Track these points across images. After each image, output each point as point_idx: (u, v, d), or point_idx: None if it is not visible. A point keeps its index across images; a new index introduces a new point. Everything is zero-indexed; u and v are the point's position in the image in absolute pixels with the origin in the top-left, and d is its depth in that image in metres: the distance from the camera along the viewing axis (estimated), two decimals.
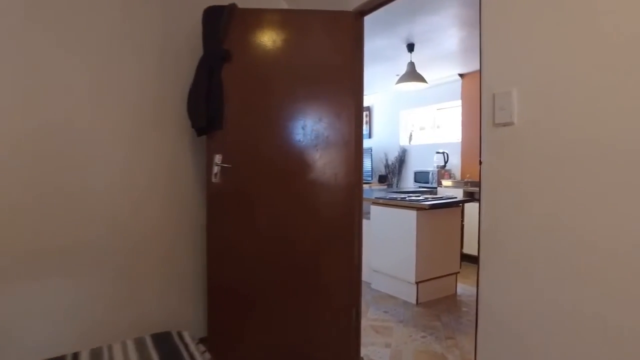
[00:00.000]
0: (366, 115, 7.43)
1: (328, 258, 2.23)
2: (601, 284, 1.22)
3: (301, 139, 2.22)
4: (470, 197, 4.72)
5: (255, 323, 2.23)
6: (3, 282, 1.86)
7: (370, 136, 7.41)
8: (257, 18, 2.24)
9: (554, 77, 1.33)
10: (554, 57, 1.33)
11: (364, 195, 4.20)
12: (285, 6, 2.76)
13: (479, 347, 1.61)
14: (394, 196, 3.89)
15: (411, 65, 4.29)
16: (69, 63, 2.02)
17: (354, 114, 2.25)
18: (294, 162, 2.22)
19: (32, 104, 1.92)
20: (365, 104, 7.33)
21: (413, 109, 6.62)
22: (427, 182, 5.79)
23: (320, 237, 2.22)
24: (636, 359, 1.14)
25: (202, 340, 2.31)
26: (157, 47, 2.30)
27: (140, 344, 1.44)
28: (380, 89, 6.76)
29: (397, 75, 4.58)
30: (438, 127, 6.34)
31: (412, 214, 3.38)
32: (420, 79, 4.25)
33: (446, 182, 5.39)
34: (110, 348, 1.38)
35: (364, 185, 6.41)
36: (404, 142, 6.78)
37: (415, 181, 6.08)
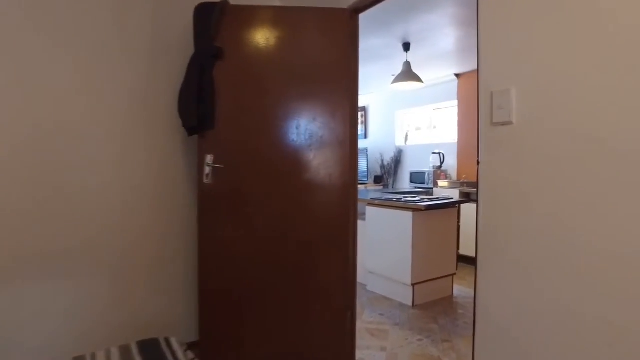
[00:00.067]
0: (362, 116, 7.39)
1: (322, 260, 2.18)
2: (603, 286, 1.18)
3: (295, 139, 2.17)
4: (467, 197, 4.68)
5: (246, 326, 2.18)
6: None
7: (366, 136, 7.37)
8: (250, 15, 2.19)
9: (553, 75, 1.29)
10: (554, 54, 1.29)
11: (360, 196, 4.15)
12: (278, 3, 2.71)
13: (476, 351, 1.57)
14: (390, 197, 3.85)
15: (407, 64, 4.26)
16: (59, 62, 1.97)
17: (349, 113, 2.20)
18: (288, 163, 2.17)
19: (19, 104, 1.87)
20: (361, 104, 7.33)
21: (409, 109, 6.59)
22: (423, 183, 5.76)
23: (314, 238, 2.17)
24: None
25: (193, 345, 2.26)
26: (148, 45, 2.25)
27: (125, 351, 1.39)
28: (376, 88, 6.72)
29: (393, 75, 4.54)
30: (434, 127, 6.31)
31: (408, 215, 3.34)
32: (416, 78, 4.21)
33: (442, 183, 5.36)
34: (93, 356, 1.33)
35: (360, 186, 6.39)
36: (399, 142, 6.74)
37: (411, 182, 6.05)
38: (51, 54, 1.95)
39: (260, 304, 2.18)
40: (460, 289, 3.78)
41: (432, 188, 5.47)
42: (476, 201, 1.57)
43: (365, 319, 3.06)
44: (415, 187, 5.83)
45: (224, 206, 2.17)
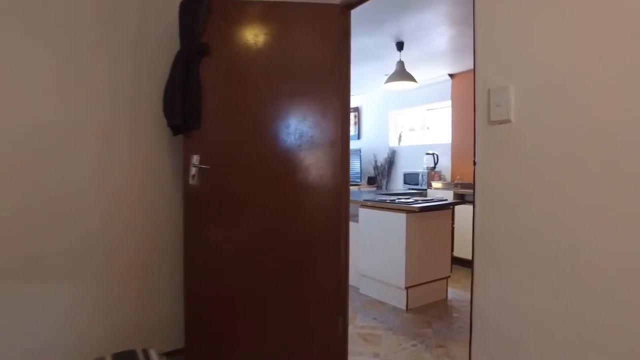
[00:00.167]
0: (355, 116, 7.33)
1: (313, 264, 2.11)
2: (606, 288, 1.12)
3: (285, 139, 2.10)
4: (461, 199, 4.63)
5: (234, 332, 2.10)
6: None
7: (359, 137, 7.31)
8: (238, 10, 2.12)
9: (554, 71, 1.23)
10: (554, 49, 1.22)
11: (352, 198, 4.08)
12: None
13: (473, 356, 1.50)
14: (383, 198, 3.78)
15: (400, 64, 4.19)
16: (36, 60, 1.88)
17: (340, 112, 2.13)
18: (277, 163, 2.10)
19: None
20: (354, 104, 7.28)
21: (402, 110, 6.54)
22: (417, 184, 5.70)
23: (304, 241, 2.10)
24: None
25: (179, 352, 2.18)
26: (132, 42, 2.16)
27: None
28: (369, 89, 6.66)
29: (386, 74, 4.48)
30: (428, 128, 6.26)
31: (402, 216, 3.27)
32: (410, 78, 4.15)
33: (436, 184, 5.30)
34: None
35: (353, 187, 6.33)
36: (393, 143, 6.69)
37: (405, 183, 5.99)
38: (28, 51, 1.86)
39: (247, 309, 2.10)
40: (455, 292, 3.72)
41: (425, 189, 5.41)
42: (472, 203, 1.50)
43: (357, 324, 2.99)
44: (409, 189, 5.77)
45: (210, 208, 2.09)
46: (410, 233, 3.25)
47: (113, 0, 2.09)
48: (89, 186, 2.03)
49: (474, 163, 1.47)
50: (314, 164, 2.10)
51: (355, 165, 6.98)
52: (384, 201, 3.56)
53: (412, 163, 6.11)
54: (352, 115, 7.30)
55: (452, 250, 3.84)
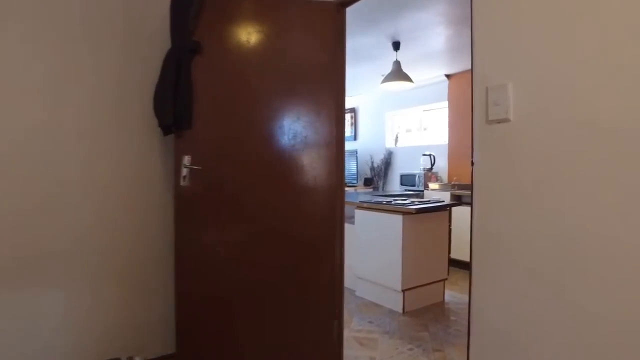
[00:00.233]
0: (351, 117, 7.29)
1: (307, 266, 2.06)
2: (610, 289, 1.08)
3: (278, 139, 2.05)
4: (458, 200, 4.59)
5: (225, 337, 2.05)
6: None
7: (355, 138, 7.27)
8: (231, 7, 2.07)
9: (554, 69, 1.19)
10: (554, 46, 1.19)
11: (349, 199, 4.04)
12: None
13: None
14: (379, 200, 3.74)
15: (397, 64, 4.16)
16: (18, 58, 1.82)
17: (335, 112, 2.09)
18: (271, 164, 2.05)
19: None
20: (351, 105, 7.25)
21: (399, 110, 6.50)
22: (414, 185, 5.66)
23: (298, 243, 2.05)
24: None
25: (170, 357, 2.13)
26: (120, 39, 2.11)
27: None
28: (365, 90, 6.62)
29: (383, 75, 4.44)
30: (424, 129, 6.23)
31: (398, 218, 3.23)
32: (406, 78, 4.12)
33: (433, 185, 5.26)
34: None
35: (349, 189, 6.30)
36: (390, 144, 6.65)
37: (402, 184, 5.95)
38: (9, 48, 1.80)
39: (239, 312, 2.05)
40: (452, 294, 3.68)
41: (422, 190, 5.38)
42: (469, 204, 1.46)
43: (353, 327, 2.94)
44: (406, 190, 5.73)
45: (201, 210, 2.04)
46: (406, 235, 3.21)
47: None
48: (78, 188, 1.98)
49: (472, 163, 1.43)
50: (309, 165, 2.05)
51: (351, 166, 6.94)
52: (380, 203, 3.52)
53: (409, 164, 6.07)
54: (348, 116, 7.26)
55: (449, 252, 3.80)
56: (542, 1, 1.21)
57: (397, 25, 3.65)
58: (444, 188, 5.08)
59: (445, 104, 5.57)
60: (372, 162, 6.65)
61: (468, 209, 1.49)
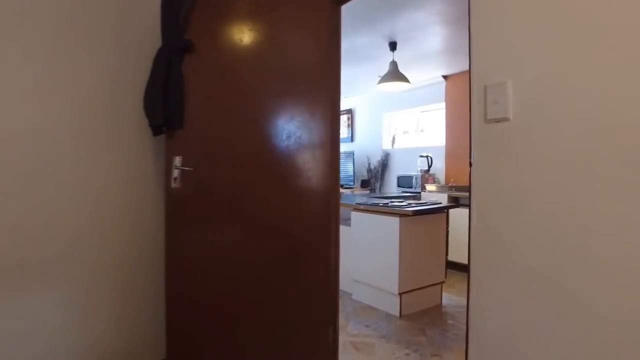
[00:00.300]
0: (348, 118, 7.26)
1: (301, 271, 2.00)
2: (616, 293, 1.03)
3: (272, 140, 2.00)
4: (455, 202, 4.55)
5: (217, 341, 2.00)
6: None
7: (352, 139, 7.23)
8: (224, 5, 2.02)
9: (556, 65, 1.14)
10: (555, 40, 1.14)
11: (345, 201, 4.00)
12: None
13: None
14: (376, 202, 3.69)
15: (393, 64, 4.12)
16: (9, 55, 1.76)
17: (330, 112, 2.03)
18: (263, 165, 2.00)
19: None
20: (348, 106, 7.21)
21: (396, 112, 6.47)
22: (411, 187, 5.62)
23: (292, 247, 2.00)
24: None
25: None
26: (112, 38, 2.05)
27: None
28: (362, 91, 6.59)
29: (379, 76, 4.40)
30: (421, 130, 6.19)
31: (395, 220, 3.18)
32: (403, 78, 4.08)
33: (430, 187, 5.22)
34: None
35: (346, 190, 6.26)
36: (387, 145, 6.61)
37: (399, 186, 5.91)
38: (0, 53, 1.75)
39: (230, 319, 1.99)
40: (450, 298, 3.64)
41: (419, 192, 5.34)
42: (467, 206, 1.41)
43: (350, 332, 2.89)
44: (403, 192, 5.69)
45: (193, 212, 1.99)
46: (403, 237, 3.17)
47: None
48: (69, 190, 1.91)
49: (470, 164, 1.38)
50: (303, 166, 2.00)
51: (348, 167, 6.90)
52: (377, 205, 3.47)
53: (406, 166, 6.03)
54: (345, 117, 7.23)
55: (447, 254, 3.76)
56: None
57: (393, 24, 3.61)
58: (441, 190, 5.04)
59: (443, 105, 5.54)
60: (369, 164, 6.61)
61: (466, 211, 1.44)
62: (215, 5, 2.01)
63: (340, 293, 3.65)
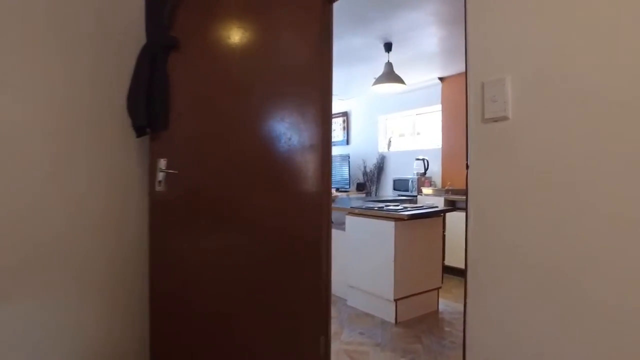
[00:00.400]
0: (344, 121, 7.19)
1: (292, 279, 1.92)
2: (622, 301, 0.95)
3: (261, 142, 1.92)
4: (452, 205, 4.48)
5: (203, 351, 1.91)
6: None
7: (348, 142, 7.16)
8: (214, 2, 1.94)
9: (557, 60, 1.07)
10: (556, 34, 1.07)
11: (340, 204, 3.92)
12: None
13: None
14: (371, 205, 3.61)
15: (389, 65, 4.05)
16: None
17: (321, 113, 1.96)
18: (252, 167, 1.92)
19: None
20: (343, 108, 7.15)
21: (392, 114, 6.40)
22: (407, 190, 5.55)
23: (282, 254, 1.91)
24: None
25: None
26: (95, 32, 1.96)
27: None
28: (358, 93, 6.52)
29: (375, 77, 4.33)
30: (418, 133, 6.13)
31: (390, 225, 3.10)
32: (399, 80, 4.01)
33: (426, 190, 5.15)
34: None
35: (342, 194, 6.18)
36: (382, 148, 6.54)
37: (395, 189, 5.83)
38: None
39: (218, 328, 1.91)
40: (446, 303, 3.56)
41: (416, 196, 5.26)
42: (464, 209, 1.34)
43: (344, 339, 2.80)
44: (399, 195, 5.61)
45: (178, 217, 1.90)
46: (399, 242, 3.09)
47: None
48: (46, 194, 1.82)
49: (467, 166, 1.31)
50: (293, 168, 1.92)
51: (343, 171, 6.83)
52: (372, 208, 3.39)
53: (402, 169, 5.96)
54: (340, 120, 7.17)
55: (444, 259, 3.68)
56: None
57: (388, 25, 3.54)
58: (437, 193, 4.97)
59: (439, 107, 5.47)
60: (365, 167, 6.54)
61: (462, 214, 1.37)
62: (204, 3, 1.93)
63: (335, 299, 3.59)
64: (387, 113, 6.45)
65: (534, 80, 1.12)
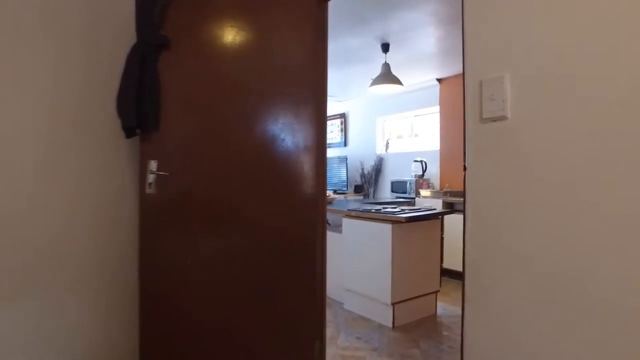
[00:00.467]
0: (341, 123, 7.15)
1: (285, 283, 1.87)
2: (627, 308, 0.91)
3: (254, 143, 1.88)
4: (450, 208, 4.44)
5: (190, 353, 1.86)
6: None
7: (345, 144, 7.12)
8: (206, 1, 1.90)
9: (558, 56, 1.03)
10: (557, 29, 1.03)
11: (337, 207, 3.87)
12: None
13: None
14: (368, 208, 3.57)
15: (386, 66, 4.01)
16: None
17: (315, 114, 1.92)
18: (245, 170, 1.87)
19: None
20: (341, 110, 7.11)
21: (390, 116, 6.37)
22: (405, 192, 5.50)
23: (275, 258, 1.87)
24: None
25: None
26: (84, 31, 1.91)
27: None
28: (356, 94, 6.49)
29: (372, 79, 4.29)
30: (416, 135, 6.09)
31: (387, 227, 3.06)
32: (396, 80, 3.97)
33: (424, 192, 5.11)
34: None
35: (339, 196, 6.13)
36: (380, 150, 6.50)
37: (393, 191, 5.79)
38: None
39: (209, 334, 1.86)
40: (445, 307, 3.51)
41: (414, 198, 5.22)
42: (462, 212, 1.29)
43: (340, 344, 2.75)
44: (397, 197, 5.57)
45: (169, 221, 1.86)
46: (396, 245, 3.04)
47: None
48: (33, 198, 1.77)
49: (464, 168, 1.27)
50: (287, 170, 1.88)
51: (341, 172, 6.79)
52: (369, 211, 3.35)
53: (400, 171, 5.92)
54: (338, 121, 7.13)
55: (442, 261, 3.63)
56: None
57: (385, 25, 3.50)
58: (435, 195, 4.92)
59: (437, 108, 5.44)
60: (363, 169, 6.50)
61: (461, 216, 1.32)
62: (195, 2, 1.89)
63: (332, 302, 3.54)
64: (385, 114, 6.41)
65: (534, 78, 1.08)
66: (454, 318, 3.23)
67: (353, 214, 3.43)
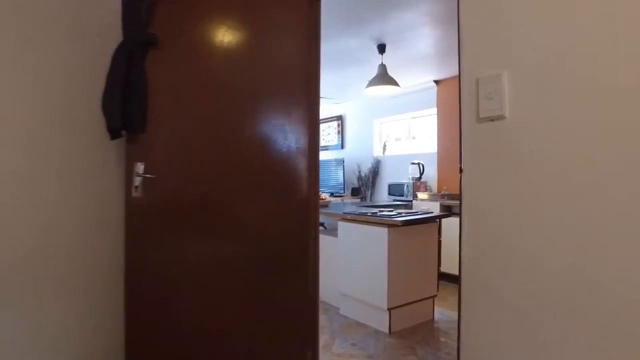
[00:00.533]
0: (338, 125, 7.10)
1: (276, 290, 1.81)
2: (630, 316, 0.85)
3: (244, 145, 1.82)
4: (448, 211, 4.38)
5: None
6: None
7: (342, 146, 7.07)
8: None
9: (559, 52, 0.97)
10: (559, 25, 0.97)
11: (334, 210, 3.81)
12: None
13: None
14: (364, 211, 3.51)
15: (382, 67, 3.96)
16: None
17: (308, 114, 1.86)
18: (235, 172, 1.82)
19: None
20: (338, 112, 7.06)
21: (387, 118, 6.32)
22: (402, 195, 5.45)
23: (266, 264, 1.81)
24: None
25: None
26: (68, 29, 1.85)
27: None
28: (352, 96, 6.44)
29: (369, 80, 4.24)
30: (413, 137, 6.04)
31: (383, 231, 3.00)
32: (392, 82, 3.92)
33: (422, 195, 5.05)
34: None
35: (336, 199, 6.07)
36: (377, 152, 6.45)
37: (390, 194, 5.73)
38: None
39: (199, 340, 1.80)
40: (442, 312, 3.44)
41: (411, 201, 5.16)
42: (459, 216, 1.23)
43: (335, 351, 2.69)
44: (394, 200, 5.52)
45: (156, 226, 1.79)
46: (392, 249, 2.98)
47: None
48: (15, 202, 1.70)
49: (460, 170, 1.21)
50: (279, 172, 1.82)
51: (338, 175, 6.73)
52: (365, 214, 3.28)
53: (397, 173, 5.87)
54: (335, 123, 7.08)
55: (439, 265, 3.57)
56: None
57: (382, 25, 3.45)
58: (433, 198, 4.87)
59: (434, 110, 5.39)
60: (360, 171, 6.44)
61: (458, 219, 1.26)
62: (185, 1, 1.83)
63: (327, 307, 3.48)
64: (382, 117, 6.37)
65: (534, 76, 1.02)
66: (452, 323, 3.17)
67: (349, 217, 3.37)
